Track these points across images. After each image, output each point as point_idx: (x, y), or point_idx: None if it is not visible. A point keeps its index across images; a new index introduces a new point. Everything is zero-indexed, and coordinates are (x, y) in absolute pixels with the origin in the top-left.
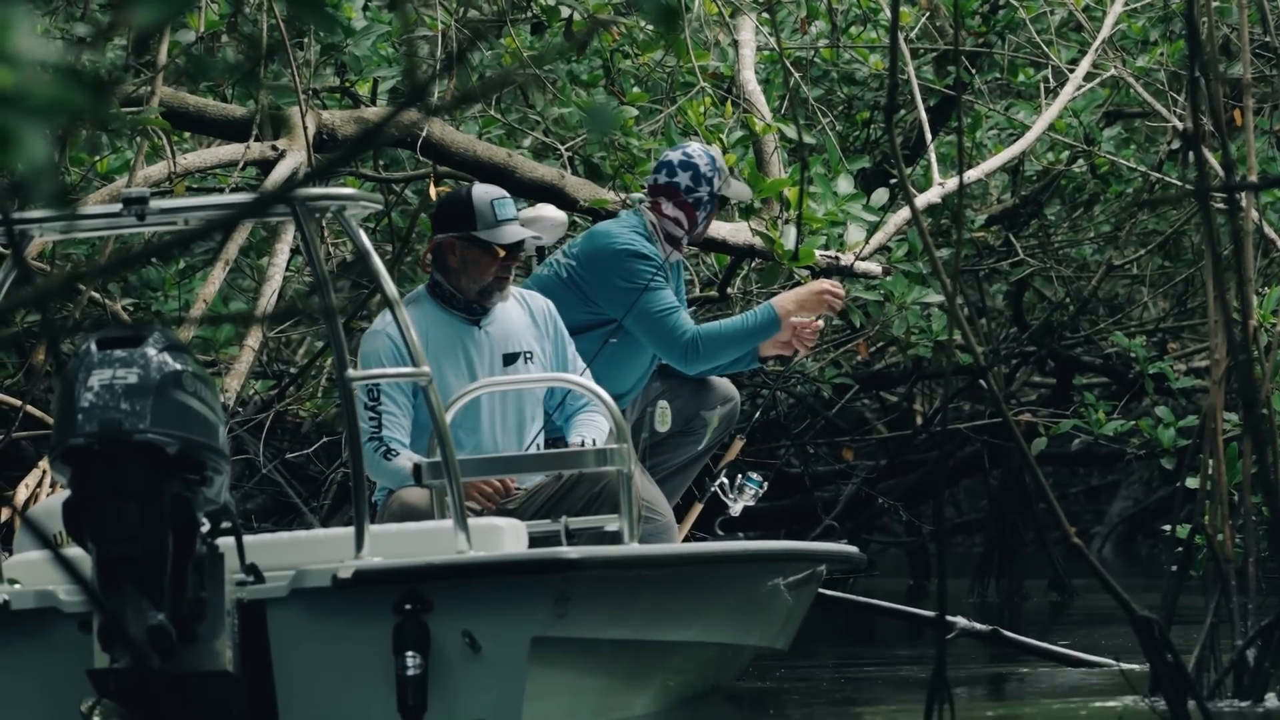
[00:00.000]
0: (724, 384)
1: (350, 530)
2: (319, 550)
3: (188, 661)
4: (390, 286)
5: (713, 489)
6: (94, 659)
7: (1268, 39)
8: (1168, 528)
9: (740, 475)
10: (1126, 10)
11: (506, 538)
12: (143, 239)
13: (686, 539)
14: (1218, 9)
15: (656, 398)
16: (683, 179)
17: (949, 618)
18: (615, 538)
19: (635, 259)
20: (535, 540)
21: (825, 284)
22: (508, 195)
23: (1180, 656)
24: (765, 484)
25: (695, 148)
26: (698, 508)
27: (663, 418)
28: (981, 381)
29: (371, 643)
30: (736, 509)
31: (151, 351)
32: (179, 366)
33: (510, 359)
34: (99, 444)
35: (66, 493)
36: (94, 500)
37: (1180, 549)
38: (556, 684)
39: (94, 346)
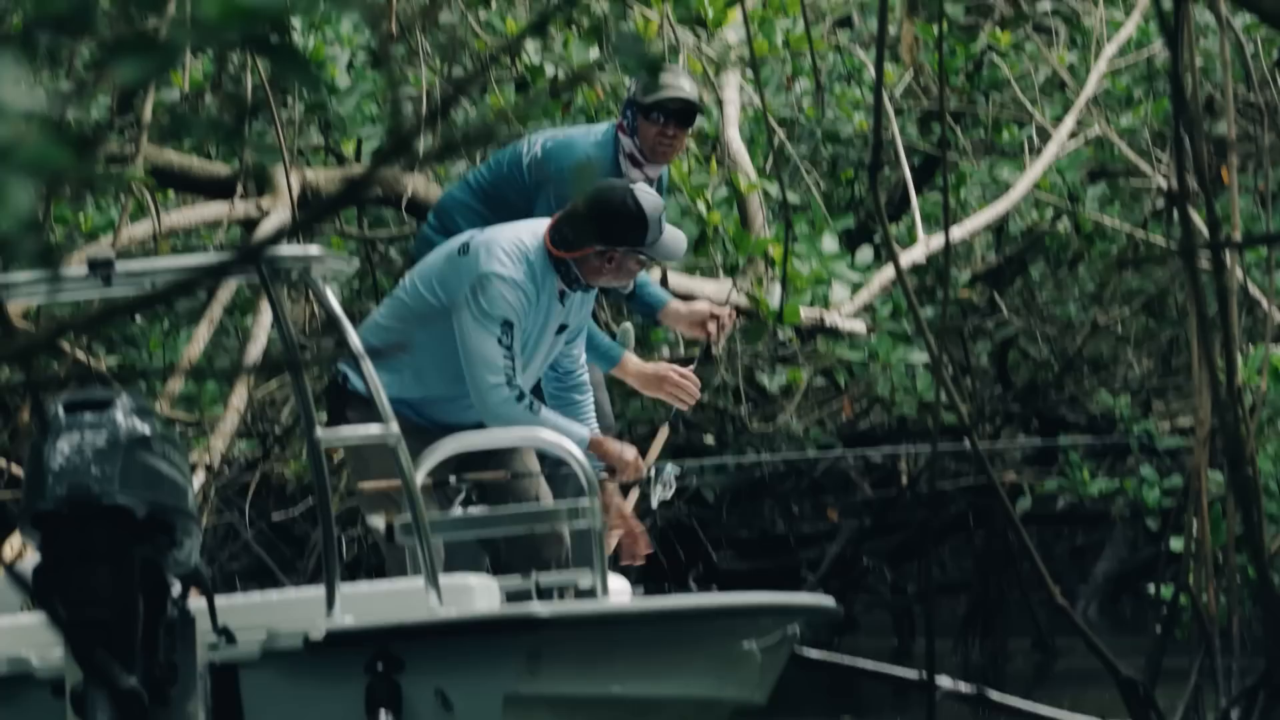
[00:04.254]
0: (604, 410)
1: (321, 590)
2: (290, 611)
3: None
4: (358, 346)
5: (649, 471)
6: None
7: (1252, 97)
8: (1153, 587)
9: (662, 468)
10: (1110, 69)
11: (478, 596)
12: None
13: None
14: (1202, 67)
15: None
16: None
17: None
18: (587, 593)
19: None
20: (506, 596)
21: (668, 370)
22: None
23: (1165, 717)
24: (681, 471)
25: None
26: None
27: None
28: (966, 441)
29: (344, 703)
30: (655, 501)
31: (119, 415)
32: (147, 429)
33: (560, 329)
34: (68, 508)
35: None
36: (64, 565)
37: (1165, 609)
38: None
39: (62, 411)
